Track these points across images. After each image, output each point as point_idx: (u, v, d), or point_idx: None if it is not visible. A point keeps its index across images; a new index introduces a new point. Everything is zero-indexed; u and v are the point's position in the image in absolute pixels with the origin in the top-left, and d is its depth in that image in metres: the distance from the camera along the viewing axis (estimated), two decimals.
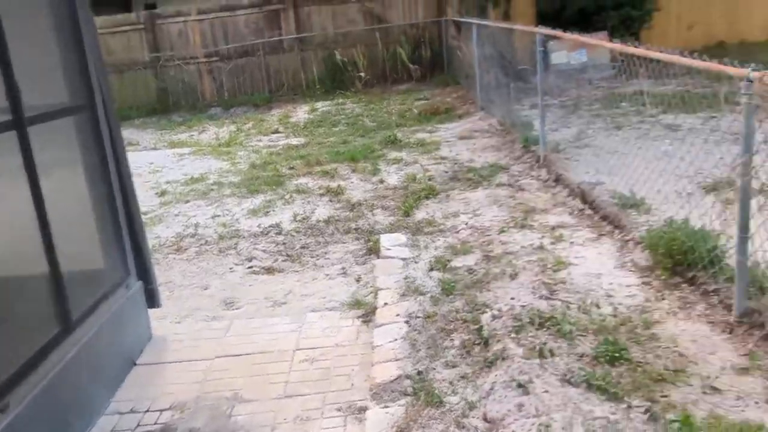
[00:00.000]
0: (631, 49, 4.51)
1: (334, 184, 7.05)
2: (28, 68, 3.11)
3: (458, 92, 12.13)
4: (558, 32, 6.38)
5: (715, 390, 2.90)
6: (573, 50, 12.20)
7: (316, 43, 14.08)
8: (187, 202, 6.95)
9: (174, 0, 15.55)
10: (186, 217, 6.43)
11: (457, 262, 4.73)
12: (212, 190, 7.31)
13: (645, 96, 8.72)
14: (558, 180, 6.23)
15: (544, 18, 12.92)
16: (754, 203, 3.34)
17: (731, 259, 3.73)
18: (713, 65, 3.40)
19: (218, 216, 6.40)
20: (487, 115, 9.87)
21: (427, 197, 6.33)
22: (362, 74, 13.62)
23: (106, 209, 3.85)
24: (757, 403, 2.79)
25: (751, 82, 3.05)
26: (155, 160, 8.94)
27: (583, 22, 12.49)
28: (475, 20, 10.40)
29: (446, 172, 7.22)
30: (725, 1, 14.71)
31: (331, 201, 6.58)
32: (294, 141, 9.85)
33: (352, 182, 7.17)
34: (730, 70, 3.28)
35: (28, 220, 3.06)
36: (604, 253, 4.56)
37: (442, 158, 7.84)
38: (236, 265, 5.32)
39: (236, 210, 6.53)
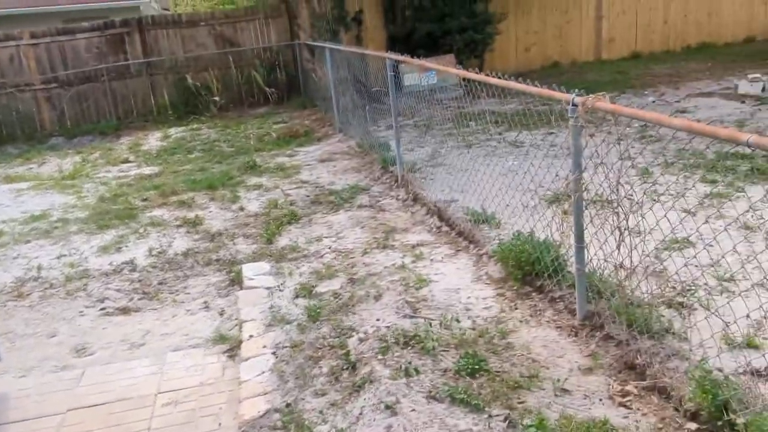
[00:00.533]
0: (472, 75, 4.79)
1: (191, 215, 6.81)
2: None
3: (316, 115, 12.22)
4: (406, 57, 6.64)
5: (565, 391, 3.12)
6: (424, 72, 12.73)
7: (166, 67, 13.57)
8: (28, 242, 6.39)
9: (2, 23, 14.37)
10: (27, 260, 5.91)
11: (323, 287, 4.74)
12: (56, 227, 6.78)
13: (488, 116, 9.28)
14: (416, 199, 6.45)
15: (394, 41, 13.43)
16: (587, 215, 3.66)
17: (572, 267, 4.06)
18: (543, 91, 3.70)
19: (64, 256, 5.95)
20: (345, 137, 10.03)
21: (289, 223, 6.29)
22: (217, 98, 13.31)
23: None
24: (601, 400, 3.05)
25: (576, 106, 3.35)
26: None
27: (431, 45, 13.11)
28: (327, 44, 10.55)
29: (308, 196, 7.23)
30: (556, 26, 16.11)
31: (189, 232, 6.35)
32: (146, 170, 9.40)
33: (210, 211, 6.97)
34: (557, 95, 3.58)
35: None
36: (461, 268, 4.78)
37: (303, 182, 7.84)
38: (87, 307, 4.97)
39: (84, 248, 6.11)
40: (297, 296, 4.66)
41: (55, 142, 12.41)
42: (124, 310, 4.88)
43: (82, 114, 13.26)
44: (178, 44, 13.61)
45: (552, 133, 8.77)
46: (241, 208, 6.98)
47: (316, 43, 11.86)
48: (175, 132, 12.07)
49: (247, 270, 5.15)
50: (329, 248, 5.54)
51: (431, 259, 5.00)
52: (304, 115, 12.49)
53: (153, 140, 11.62)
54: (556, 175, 5.67)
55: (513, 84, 4.08)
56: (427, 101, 11.22)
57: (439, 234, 5.57)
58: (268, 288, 4.86)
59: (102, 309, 4.92)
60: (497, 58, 14.80)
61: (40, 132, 12.91)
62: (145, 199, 7.58)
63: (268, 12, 14.14)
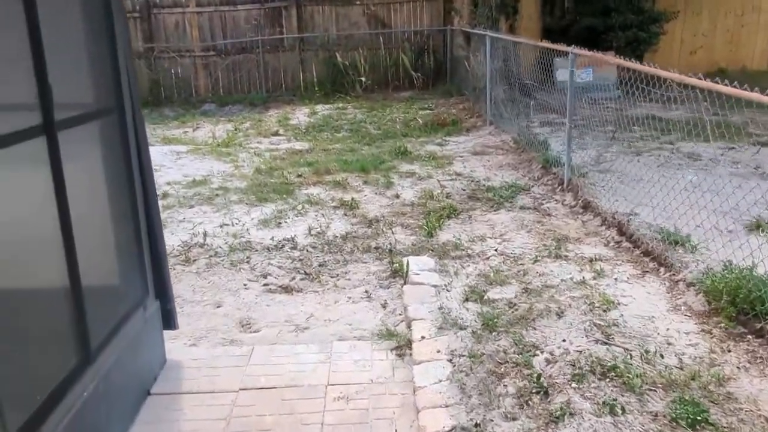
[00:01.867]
0: (692, 80, 4.25)
1: (347, 197, 6.70)
2: (57, 63, 2.72)
3: (463, 104, 11.88)
4: (596, 54, 6.17)
5: None
6: (580, 69, 12.03)
7: (318, 44, 13.73)
8: (192, 207, 6.54)
9: None
10: (192, 224, 6.02)
11: (494, 293, 4.44)
12: (217, 195, 6.90)
13: (655, 122, 8.55)
14: (586, 207, 5.98)
15: (549, 33, 12.79)
16: None
17: None
18: (764, 97, 3.16)
19: (227, 225, 6.01)
20: (497, 130, 9.62)
21: (449, 217, 6.02)
22: (363, 79, 13.30)
23: (128, 221, 3.47)
24: None
25: None
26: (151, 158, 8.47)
27: (590, 41, 12.35)
28: (489, 32, 10.14)
29: (464, 189, 6.93)
30: (728, 30, 14.77)
31: (346, 215, 6.23)
32: (297, 146, 9.46)
33: (365, 195, 6.84)
34: None
35: (52, 235, 2.68)
36: (653, 293, 4.30)
37: (457, 174, 7.55)
38: (250, 281, 4.95)
39: (246, 219, 6.15)
40: (467, 299, 4.38)
41: (208, 108, 12.87)
42: (287, 289, 4.81)
43: (234, 83, 13.69)
44: (331, 22, 13.70)
45: (732, 147, 7.97)
46: (397, 196, 6.78)
47: (475, 30, 11.47)
48: (321, 109, 12.14)
49: (413, 264, 4.93)
50: (495, 250, 5.22)
51: (615, 278, 4.55)
52: (450, 104, 12.18)
53: (300, 115, 11.74)
54: (761, 195, 5.04)
55: (721, 87, 3.53)
56: (583, 100, 10.62)
57: (619, 250, 5.09)
58: (434, 286, 4.62)
59: (265, 285, 4.88)
60: (658, 59, 13.64)
61: (194, 97, 13.47)
62: (299, 176, 7.58)
63: None
